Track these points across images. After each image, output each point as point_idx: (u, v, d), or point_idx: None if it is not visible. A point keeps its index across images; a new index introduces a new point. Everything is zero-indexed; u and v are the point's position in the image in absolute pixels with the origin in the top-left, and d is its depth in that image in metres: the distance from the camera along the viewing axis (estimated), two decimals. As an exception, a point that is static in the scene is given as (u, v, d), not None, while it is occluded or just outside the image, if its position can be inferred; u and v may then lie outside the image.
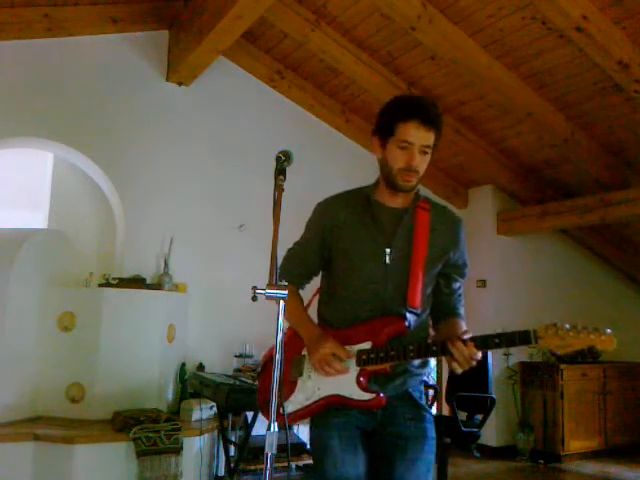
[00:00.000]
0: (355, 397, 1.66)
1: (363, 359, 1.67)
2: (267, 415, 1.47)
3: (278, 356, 1.46)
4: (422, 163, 1.72)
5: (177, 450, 3.42)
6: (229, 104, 4.92)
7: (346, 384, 1.67)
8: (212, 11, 3.86)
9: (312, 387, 1.73)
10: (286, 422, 1.54)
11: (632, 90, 3.93)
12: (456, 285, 1.88)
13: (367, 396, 1.65)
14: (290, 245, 1.96)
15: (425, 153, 1.71)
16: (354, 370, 1.67)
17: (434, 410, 5.61)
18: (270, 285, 1.46)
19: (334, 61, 4.56)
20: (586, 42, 3.61)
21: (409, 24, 3.86)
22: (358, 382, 1.66)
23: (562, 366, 5.36)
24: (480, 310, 5.75)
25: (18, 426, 3.41)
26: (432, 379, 5.82)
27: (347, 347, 1.70)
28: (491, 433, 5.34)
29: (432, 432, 1.76)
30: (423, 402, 1.80)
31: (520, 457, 5.33)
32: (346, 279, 1.79)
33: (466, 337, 1.59)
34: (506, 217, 5.77)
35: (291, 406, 1.75)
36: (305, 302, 1.92)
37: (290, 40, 4.60)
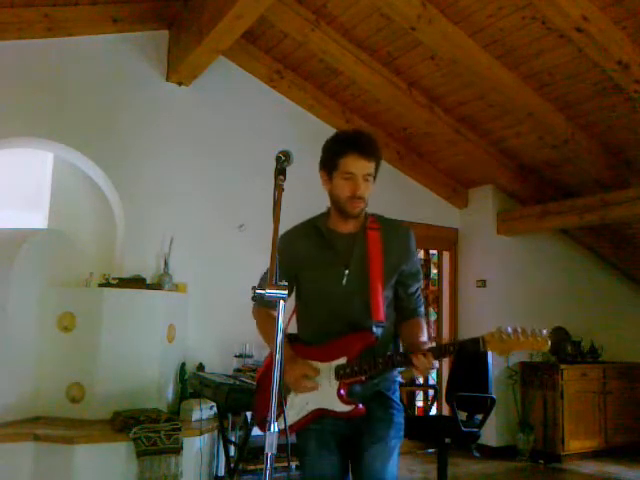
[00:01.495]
0: (337, 409, 1.86)
1: (340, 374, 1.87)
2: (263, 428, 1.58)
3: (278, 356, 1.47)
4: (366, 190, 1.90)
5: (177, 450, 3.42)
6: (229, 104, 4.92)
7: (329, 398, 1.88)
8: (212, 11, 3.86)
9: (300, 403, 1.92)
10: (287, 435, 1.68)
11: (632, 90, 3.93)
12: (413, 289, 2.04)
13: (347, 408, 1.86)
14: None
15: (367, 180, 1.89)
16: (334, 384, 1.87)
17: (434, 410, 5.62)
18: (270, 285, 1.47)
19: (334, 61, 4.56)
20: (586, 42, 3.61)
21: (409, 24, 3.86)
22: (339, 395, 1.86)
23: (562, 366, 5.37)
24: (480, 310, 5.75)
25: (18, 426, 3.41)
26: (432, 379, 5.83)
27: (325, 363, 1.89)
28: (491, 433, 5.34)
29: (398, 418, 1.97)
30: (394, 396, 2.01)
31: (520, 457, 5.33)
32: (314, 301, 2.00)
33: (426, 348, 1.80)
34: (506, 217, 5.77)
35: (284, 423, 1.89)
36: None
37: (290, 40, 4.60)
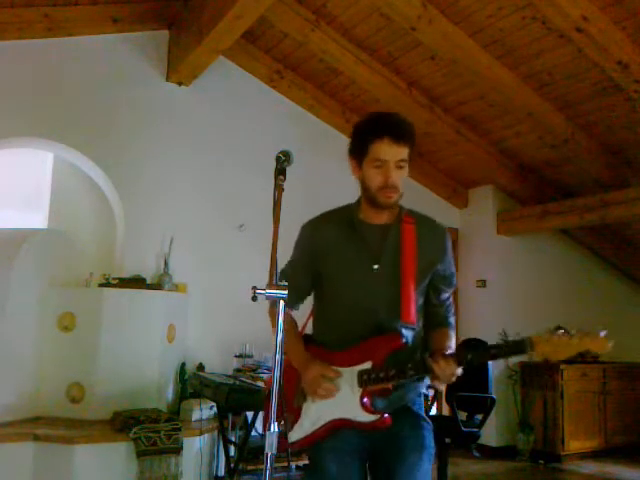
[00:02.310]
0: (360, 419, 1.67)
1: (364, 380, 1.67)
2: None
3: (278, 356, 1.46)
4: (399, 178, 1.71)
5: (177, 450, 3.42)
6: (229, 104, 4.92)
7: (350, 406, 1.68)
8: (212, 11, 3.86)
9: (316, 412, 1.73)
10: (288, 450, 1.58)
11: (632, 90, 3.93)
12: (445, 296, 1.87)
13: (372, 417, 1.66)
14: (289, 245, 1.95)
15: (401, 167, 1.71)
16: (357, 391, 1.68)
17: (434, 410, 5.61)
18: (270, 285, 1.46)
19: (334, 61, 4.56)
20: (586, 42, 3.61)
21: (409, 24, 3.87)
22: (362, 404, 1.67)
23: (562, 366, 5.36)
24: (480, 310, 5.75)
25: (18, 426, 3.41)
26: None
27: (347, 368, 1.70)
28: (491, 433, 5.34)
29: (430, 441, 1.77)
30: (422, 412, 1.82)
31: (520, 457, 5.33)
32: (336, 299, 1.80)
33: (461, 352, 1.62)
34: (506, 217, 5.77)
35: (296, 434, 1.75)
36: (300, 325, 1.92)
37: (290, 40, 4.60)
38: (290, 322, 1.85)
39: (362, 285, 1.75)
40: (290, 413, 1.76)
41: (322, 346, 1.81)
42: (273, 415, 1.43)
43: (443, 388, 1.62)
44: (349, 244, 1.78)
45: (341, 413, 1.70)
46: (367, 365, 1.68)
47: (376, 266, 1.74)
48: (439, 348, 1.71)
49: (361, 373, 1.68)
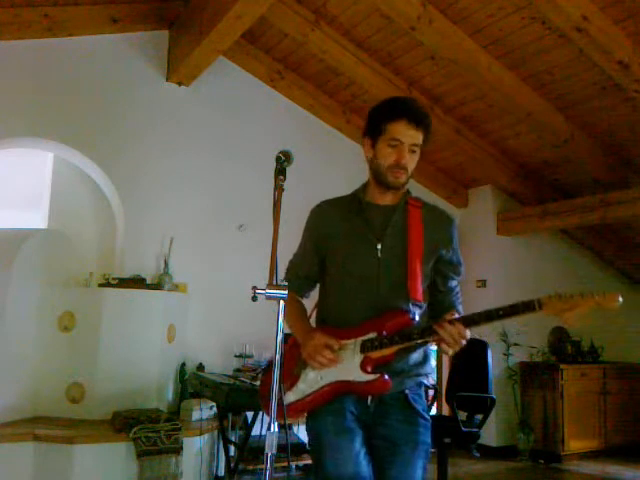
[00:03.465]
0: (359, 379, 1.66)
1: (367, 347, 1.68)
2: (266, 408, 1.50)
3: (278, 356, 1.46)
4: (411, 161, 1.76)
5: (177, 450, 3.42)
6: (229, 104, 4.92)
7: (349, 370, 1.68)
8: (212, 11, 3.86)
9: (315, 377, 1.73)
10: (285, 413, 1.55)
11: (632, 90, 3.93)
12: (452, 283, 1.87)
13: (371, 377, 1.65)
14: (289, 245, 1.96)
15: (414, 152, 1.76)
16: (358, 358, 1.68)
17: (434, 410, 5.61)
18: (270, 285, 1.46)
19: (334, 61, 4.56)
20: (586, 42, 3.60)
21: (409, 24, 3.86)
22: (363, 368, 1.67)
23: (562, 366, 5.37)
24: (480, 310, 5.75)
25: (18, 426, 3.41)
26: (432, 379, 5.82)
27: (351, 340, 1.70)
28: (491, 433, 5.34)
29: (425, 437, 1.76)
30: (420, 407, 1.79)
31: (520, 457, 5.32)
32: (340, 278, 1.81)
33: (467, 315, 1.63)
34: (506, 217, 5.77)
35: (293, 395, 1.76)
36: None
37: (290, 40, 4.60)
38: (296, 302, 1.88)
39: (364, 263, 1.75)
40: (288, 380, 1.77)
41: (326, 323, 1.82)
42: (273, 415, 1.44)
43: (451, 353, 1.61)
44: (353, 223, 1.80)
45: (340, 376, 1.69)
46: (371, 335, 1.69)
47: (379, 245, 1.75)
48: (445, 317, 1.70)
49: (364, 342, 1.69)
